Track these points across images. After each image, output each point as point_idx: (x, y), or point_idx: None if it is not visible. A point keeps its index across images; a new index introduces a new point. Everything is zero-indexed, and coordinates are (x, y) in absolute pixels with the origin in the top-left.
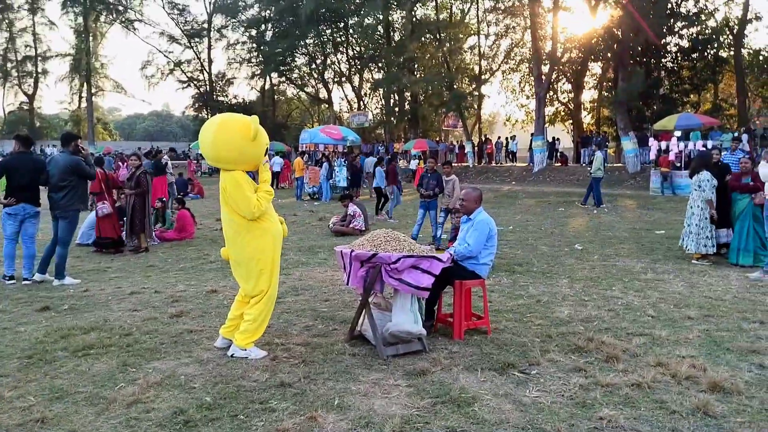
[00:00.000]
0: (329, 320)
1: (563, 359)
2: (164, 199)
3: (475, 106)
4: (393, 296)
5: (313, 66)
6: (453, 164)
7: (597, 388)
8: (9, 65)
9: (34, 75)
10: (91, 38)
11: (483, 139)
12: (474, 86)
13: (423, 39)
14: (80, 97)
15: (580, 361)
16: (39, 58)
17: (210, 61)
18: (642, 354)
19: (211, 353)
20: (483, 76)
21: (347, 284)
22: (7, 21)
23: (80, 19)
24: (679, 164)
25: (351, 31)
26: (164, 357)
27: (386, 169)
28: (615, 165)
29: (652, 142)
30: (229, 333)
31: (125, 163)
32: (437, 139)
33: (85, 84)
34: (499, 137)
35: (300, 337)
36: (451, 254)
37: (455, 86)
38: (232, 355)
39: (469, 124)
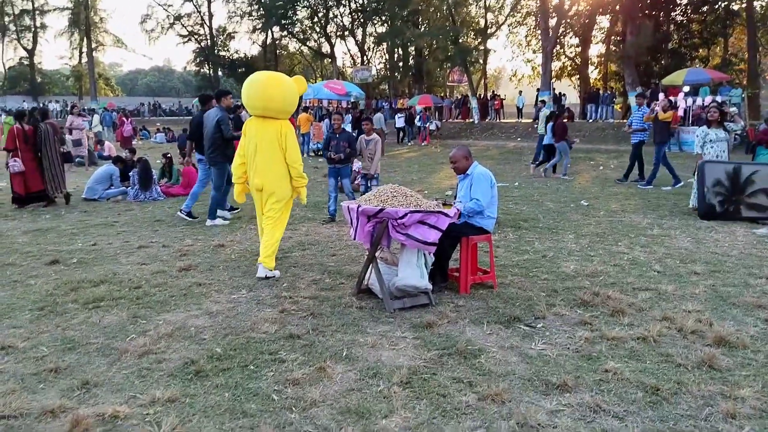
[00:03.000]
0: (336, 274)
1: (569, 313)
2: (168, 154)
3: (481, 61)
4: (399, 251)
5: (315, 19)
6: (456, 120)
7: (603, 341)
8: (6, 19)
9: (33, 29)
10: None
11: (491, 94)
12: (480, 40)
13: None
14: (80, 53)
15: (585, 315)
16: (37, 12)
17: (210, 15)
18: (648, 308)
19: (220, 306)
20: (489, 30)
21: (354, 239)
22: None
23: None
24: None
25: None
26: (174, 309)
27: (554, 125)
28: (620, 121)
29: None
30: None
31: (129, 119)
32: (442, 94)
33: (84, 39)
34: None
35: (308, 290)
36: (458, 209)
37: (460, 40)
38: (265, 276)
39: (475, 79)
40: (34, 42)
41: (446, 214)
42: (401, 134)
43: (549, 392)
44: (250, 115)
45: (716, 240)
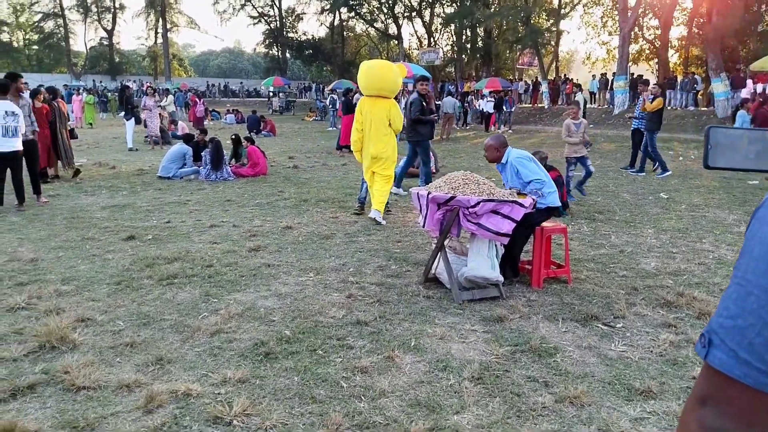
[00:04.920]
0: (402, 261)
1: (651, 314)
2: (234, 135)
3: (553, 43)
4: (470, 241)
5: (383, 0)
6: (525, 105)
7: (689, 345)
8: (89, 1)
9: (113, 10)
10: None
11: (562, 78)
12: (552, 21)
13: None
14: (156, 33)
15: (669, 317)
16: None
17: None
18: None
19: (289, 288)
20: (562, 10)
21: (423, 227)
22: None
23: None
24: None
25: None
26: (244, 289)
27: (756, 112)
28: (702, 109)
29: (749, 85)
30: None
31: (201, 100)
32: (511, 78)
33: (160, 20)
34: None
35: (374, 276)
36: (534, 199)
37: (532, 21)
38: (374, 219)
39: (546, 62)
40: (114, 22)
41: (521, 204)
42: (489, 120)
43: (632, 398)
44: (361, 97)
45: None
